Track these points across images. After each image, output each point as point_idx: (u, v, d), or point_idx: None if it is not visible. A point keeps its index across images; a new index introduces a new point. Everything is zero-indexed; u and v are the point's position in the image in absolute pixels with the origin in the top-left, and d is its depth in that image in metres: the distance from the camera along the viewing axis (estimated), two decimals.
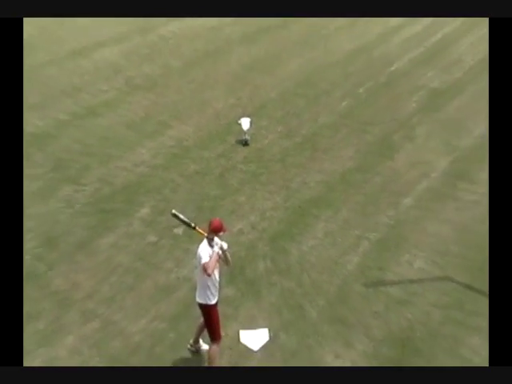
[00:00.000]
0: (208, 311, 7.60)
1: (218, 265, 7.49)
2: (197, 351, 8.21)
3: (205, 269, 7.28)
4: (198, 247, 7.44)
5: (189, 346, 8.22)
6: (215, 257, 7.35)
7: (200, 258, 7.34)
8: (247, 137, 12.84)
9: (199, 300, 7.60)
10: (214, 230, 7.38)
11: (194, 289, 7.81)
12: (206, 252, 7.35)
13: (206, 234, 7.42)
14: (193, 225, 7.56)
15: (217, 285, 7.57)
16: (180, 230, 10.25)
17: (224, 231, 7.49)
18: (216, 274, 7.49)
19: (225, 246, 7.55)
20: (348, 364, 8.11)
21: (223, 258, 7.59)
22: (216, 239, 7.49)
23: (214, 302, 7.57)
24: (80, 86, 14.99)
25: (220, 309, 7.75)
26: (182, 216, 7.64)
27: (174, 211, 7.67)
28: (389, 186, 11.67)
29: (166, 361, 8.10)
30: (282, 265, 9.74)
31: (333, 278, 9.48)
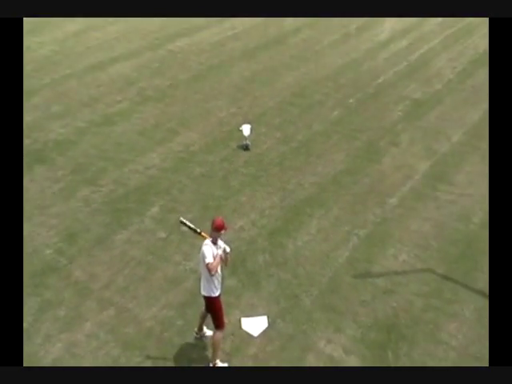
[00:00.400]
0: (212, 302, 7.59)
1: (220, 261, 7.49)
2: (201, 337, 8.21)
3: (209, 269, 7.24)
4: (202, 244, 7.43)
5: (194, 333, 8.22)
6: (218, 259, 7.33)
7: (204, 257, 7.30)
8: (248, 142, 12.81)
9: (203, 292, 7.58)
10: (217, 228, 7.33)
11: (200, 280, 7.82)
12: (210, 251, 7.30)
13: (209, 239, 7.37)
14: (198, 230, 7.52)
15: (219, 279, 7.54)
16: (185, 228, 10.25)
17: (226, 229, 7.45)
18: (218, 269, 7.47)
19: (228, 249, 7.53)
20: (339, 348, 8.10)
21: (224, 259, 7.57)
22: (220, 242, 7.46)
23: (217, 294, 7.55)
24: (97, 96, 14.96)
25: (223, 298, 7.75)
26: (188, 223, 7.61)
27: (181, 219, 7.65)
28: (376, 187, 11.67)
29: (175, 345, 8.10)
30: (279, 258, 9.75)
31: (325, 270, 9.49)
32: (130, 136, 13.29)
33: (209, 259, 7.25)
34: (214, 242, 7.40)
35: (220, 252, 7.38)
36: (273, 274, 9.42)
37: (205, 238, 7.45)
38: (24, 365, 6.46)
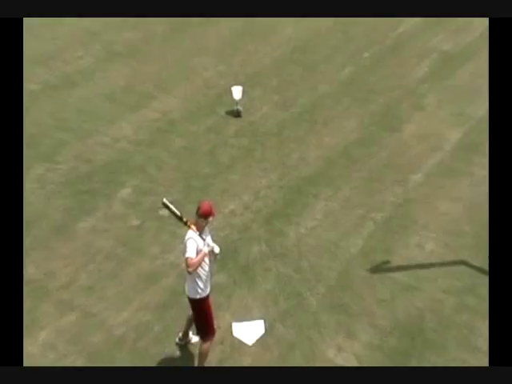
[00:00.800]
0: (197, 306, 7.54)
1: (206, 257, 7.40)
2: (186, 345, 8.18)
3: (188, 265, 7.18)
4: (186, 232, 7.35)
5: (177, 339, 8.19)
6: (201, 256, 7.24)
7: (185, 249, 7.23)
8: (239, 108, 12.79)
9: (187, 293, 7.54)
10: (204, 215, 7.27)
11: (182, 276, 7.78)
12: (193, 245, 7.22)
13: (196, 232, 7.30)
14: (184, 219, 7.42)
15: (206, 277, 7.48)
16: (166, 212, 10.18)
17: (214, 215, 7.42)
18: (206, 267, 7.40)
19: (216, 249, 7.47)
20: (352, 357, 8.10)
21: (210, 256, 7.48)
22: (208, 237, 7.41)
23: (203, 295, 7.50)
24: (52, 52, 14.88)
25: (211, 298, 7.71)
26: (173, 207, 7.48)
27: (165, 200, 7.54)
28: (396, 161, 11.64)
29: (151, 356, 8.07)
30: (278, 248, 9.73)
31: (334, 263, 9.48)
32: (94, 101, 13.21)
33: (189, 253, 7.17)
34: (200, 232, 7.32)
35: (206, 249, 7.32)
36: (270, 267, 9.40)
37: (191, 229, 7.36)
38: None
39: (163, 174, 11.30)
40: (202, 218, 7.29)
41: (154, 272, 9.28)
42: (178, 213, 7.42)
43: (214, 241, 7.61)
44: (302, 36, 15.94)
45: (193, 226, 7.34)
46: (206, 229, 7.48)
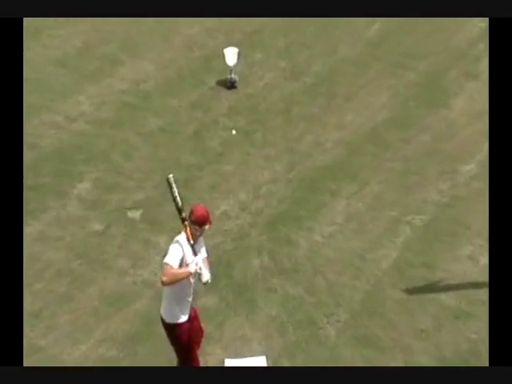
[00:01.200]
0: (173, 332, 7.65)
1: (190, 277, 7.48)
2: None
3: (163, 272, 7.23)
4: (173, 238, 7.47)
5: None
6: (183, 274, 7.28)
7: (167, 251, 7.35)
8: (234, 76, 12.81)
9: (161, 313, 7.64)
10: (198, 221, 7.36)
11: (158, 297, 7.83)
12: (178, 250, 7.31)
13: (190, 240, 7.39)
14: (183, 215, 7.46)
15: (187, 301, 7.58)
16: (137, 213, 10.25)
17: (211, 222, 7.52)
18: (188, 288, 7.49)
19: (204, 277, 7.43)
20: None
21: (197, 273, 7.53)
22: (200, 257, 7.44)
23: (180, 320, 7.58)
24: None
25: (196, 324, 7.79)
26: (176, 190, 7.51)
27: (170, 176, 7.56)
28: (441, 147, 11.70)
29: None
30: (285, 262, 9.78)
31: (359, 281, 9.53)
32: (41, 67, 13.25)
33: (169, 259, 7.24)
34: (194, 242, 7.40)
35: (192, 268, 7.34)
36: (275, 287, 9.45)
37: (185, 233, 7.45)
38: None
39: (133, 163, 11.33)
40: (196, 225, 7.39)
41: (121, 293, 9.32)
42: (179, 201, 7.48)
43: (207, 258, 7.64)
44: None
45: (188, 230, 7.42)
46: (201, 240, 7.57)
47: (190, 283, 7.50)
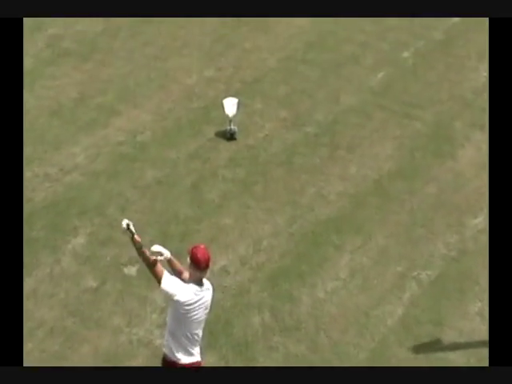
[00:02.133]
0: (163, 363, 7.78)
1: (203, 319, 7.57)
2: None
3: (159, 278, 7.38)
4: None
5: None
6: (153, 258, 7.44)
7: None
8: (233, 127, 12.85)
9: (165, 350, 7.68)
10: (198, 265, 7.38)
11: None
12: (180, 286, 7.39)
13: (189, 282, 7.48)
14: (149, 256, 7.50)
15: (191, 343, 7.61)
16: (133, 269, 10.24)
17: (208, 267, 7.53)
18: (195, 328, 7.54)
19: (166, 253, 7.59)
20: None
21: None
22: (206, 282, 7.55)
23: (186, 361, 7.60)
24: None
25: None
26: (133, 229, 7.61)
27: (126, 222, 7.66)
28: (448, 199, 11.73)
29: None
30: (286, 319, 9.77)
31: (363, 340, 9.51)
32: (35, 118, 13.27)
33: (166, 276, 7.36)
34: (199, 286, 7.48)
35: (165, 255, 7.53)
36: (276, 345, 9.42)
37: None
38: None
39: (129, 216, 11.17)
40: (198, 270, 7.43)
41: (116, 352, 9.28)
42: (137, 238, 7.58)
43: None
44: (320, 27, 15.96)
45: (186, 273, 7.52)
46: (206, 282, 7.58)
47: (200, 326, 7.63)
